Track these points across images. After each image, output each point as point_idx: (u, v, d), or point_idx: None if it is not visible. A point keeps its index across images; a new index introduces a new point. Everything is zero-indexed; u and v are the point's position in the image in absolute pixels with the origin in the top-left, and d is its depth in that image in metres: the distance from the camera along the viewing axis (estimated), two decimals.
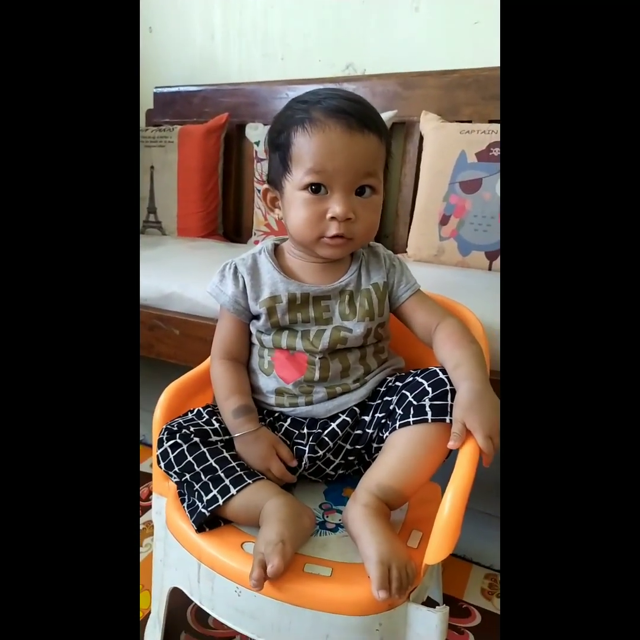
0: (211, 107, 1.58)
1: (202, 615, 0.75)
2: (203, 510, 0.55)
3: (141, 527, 0.93)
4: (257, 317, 0.66)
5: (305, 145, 0.57)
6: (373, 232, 0.64)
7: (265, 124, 1.45)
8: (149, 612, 0.72)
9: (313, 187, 0.58)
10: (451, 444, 0.52)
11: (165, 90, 1.68)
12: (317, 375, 0.63)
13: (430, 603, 0.51)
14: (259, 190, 1.47)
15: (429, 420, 0.55)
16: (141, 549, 0.88)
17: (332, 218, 0.58)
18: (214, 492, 0.55)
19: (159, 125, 1.64)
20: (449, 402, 0.55)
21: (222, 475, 0.56)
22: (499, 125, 1.14)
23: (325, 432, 0.63)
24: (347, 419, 0.63)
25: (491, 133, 1.12)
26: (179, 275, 1.08)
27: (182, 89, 1.65)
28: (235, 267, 0.66)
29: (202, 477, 0.57)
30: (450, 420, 0.54)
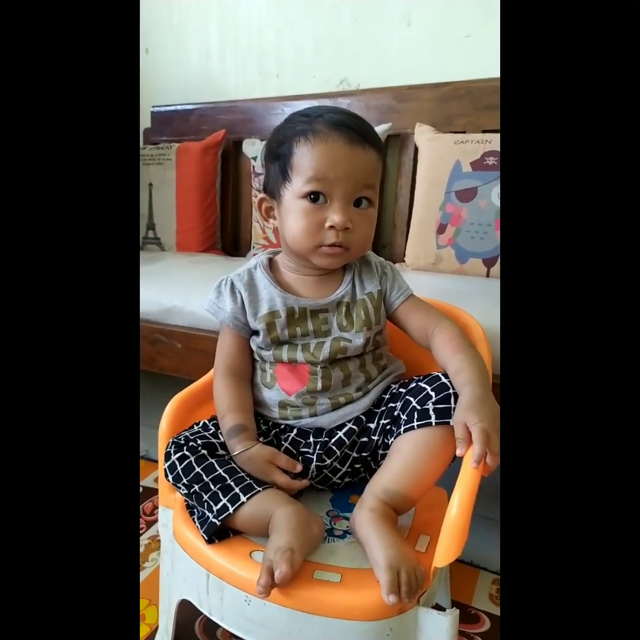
0: (208, 124, 1.61)
1: (210, 628, 0.75)
2: (214, 520, 0.55)
3: (146, 541, 0.93)
4: (256, 333, 0.66)
5: (308, 155, 0.59)
6: (368, 244, 0.65)
7: (262, 140, 1.47)
8: (157, 627, 0.72)
9: (312, 195, 0.59)
10: (459, 452, 0.52)
11: (163, 108, 1.71)
12: (319, 385, 0.64)
13: (439, 609, 0.51)
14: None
15: (433, 424, 0.55)
16: (147, 564, 0.88)
17: (331, 227, 0.59)
18: (224, 501, 0.55)
19: (157, 143, 1.66)
20: (453, 405, 0.56)
21: (231, 484, 0.57)
22: (492, 134, 1.16)
23: (332, 440, 0.63)
24: (354, 427, 0.64)
25: (485, 142, 1.14)
26: (179, 289, 1.09)
27: (179, 107, 1.68)
28: (232, 283, 0.67)
29: (212, 487, 0.57)
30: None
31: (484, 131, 1.20)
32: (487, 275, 1.12)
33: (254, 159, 1.46)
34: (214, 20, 1.63)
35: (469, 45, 1.29)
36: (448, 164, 1.17)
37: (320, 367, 0.64)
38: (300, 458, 0.64)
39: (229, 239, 1.63)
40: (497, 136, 1.15)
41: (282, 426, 0.67)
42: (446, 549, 0.49)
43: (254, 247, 1.50)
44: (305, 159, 0.59)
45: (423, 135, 1.24)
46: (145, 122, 1.76)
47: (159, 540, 0.87)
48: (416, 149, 1.28)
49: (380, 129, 1.29)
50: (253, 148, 1.47)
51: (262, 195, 0.66)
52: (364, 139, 0.59)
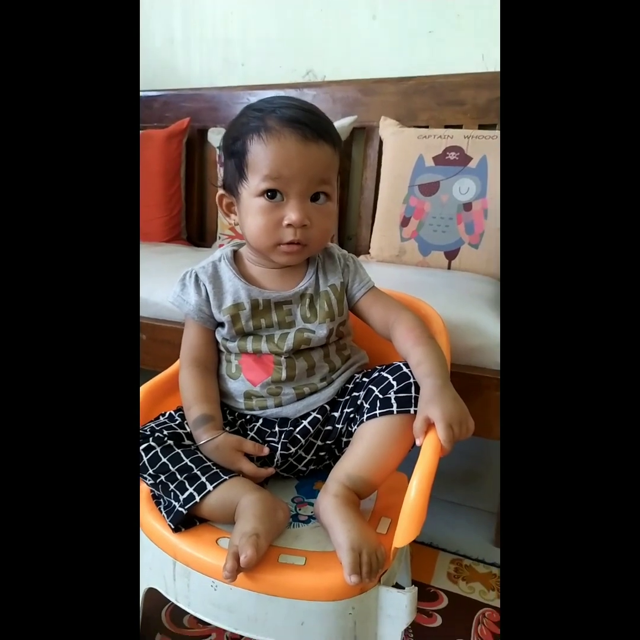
0: (172, 111, 1.58)
1: (177, 615, 0.76)
2: (180, 508, 0.56)
3: None
4: (221, 324, 0.67)
5: (261, 153, 0.59)
6: (327, 237, 0.66)
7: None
8: None
9: (269, 193, 0.60)
10: (418, 442, 0.55)
11: None
12: (284, 374, 0.65)
13: (399, 588, 0.54)
14: None
15: (395, 412, 0.58)
16: None
17: (288, 225, 0.60)
18: (191, 490, 0.56)
19: None
20: (413, 394, 0.58)
21: (198, 473, 0.57)
22: (453, 130, 1.19)
23: (297, 429, 0.65)
24: (318, 416, 0.65)
25: (447, 137, 1.17)
26: (144, 280, 1.07)
27: (142, 94, 1.64)
28: (196, 276, 0.67)
29: (178, 476, 0.57)
30: (415, 411, 0.57)
31: (446, 126, 1.23)
32: (448, 268, 1.16)
33: (219, 147, 1.45)
34: (177, 6, 1.60)
35: (432, 41, 1.31)
36: (411, 158, 1.19)
37: (285, 357, 0.65)
38: (265, 445, 0.65)
39: (195, 228, 1.62)
40: (458, 131, 1.18)
41: (248, 416, 0.68)
42: (405, 530, 0.51)
43: (219, 237, 1.49)
44: (259, 157, 0.59)
45: (387, 129, 1.26)
46: None
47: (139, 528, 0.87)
48: (381, 143, 1.30)
49: (346, 121, 1.30)
50: (218, 137, 1.46)
51: (221, 191, 0.67)
52: (317, 135, 0.59)
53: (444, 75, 1.26)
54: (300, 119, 0.59)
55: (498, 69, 1.23)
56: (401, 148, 1.21)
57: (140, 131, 1.54)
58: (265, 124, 0.59)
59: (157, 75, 1.66)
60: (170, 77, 1.65)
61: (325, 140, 0.60)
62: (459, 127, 1.22)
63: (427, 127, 1.25)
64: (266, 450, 0.63)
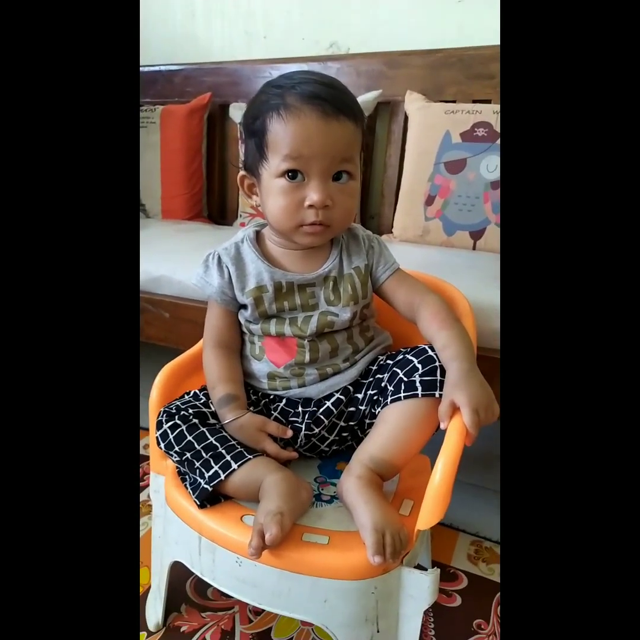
0: (193, 86, 1.56)
1: (201, 588, 0.78)
2: (206, 486, 0.57)
3: None
4: (244, 306, 0.67)
5: (281, 132, 0.57)
6: (350, 218, 0.65)
7: None
8: (149, 587, 0.74)
9: (290, 174, 0.58)
10: (442, 426, 0.54)
11: (146, 69, 1.65)
12: (307, 357, 0.65)
13: (421, 569, 0.54)
14: None
15: (419, 396, 0.57)
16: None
17: (310, 206, 0.59)
18: (216, 468, 0.57)
19: (141, 105, 1.61)
20: (439, 378, 0.57)
21: (223, 451, 0.58)
22: (482, 105, 1.15)
23: (320, 410, 0.65)
24: (341, 397, 0.65)
25: (475, 113, 1.13)
26: (167, 258, 1.08)
27: (162, 68, 1.62)
28: (219, 257, 0.67)
29: (203, 454, 0.58)
30: (439, 394, 0.56)
31: (474, 101, 1.19)
32: (474, 248, 1.13)
33: (241, 123, 1.43)
34: None
35: (461, 12, 1.26)
36: (438, 134, 1.16)
37: (308, 340, 0.65)
38: (289, 427, 0.65)
39: (216, 206, 1.61)
40: (487, 106, 1.14)
41: (271, 396, 0.68)
42: (429, 513, 0.51)
43: (241, 215, 1.48)
44: (279, 136, 0.58)
45: (413, 104, 1.23)
46: None
47: (149, 505, 0.89)
48: (406, 118, 1.26)
49: (371, 96, 1.27)
50: (240, 113, 1.44)
51: (242, 172, 0.65)
52: (338, 111, 0.57)
53: (473, 48, 1.21)
54: (321, 94, 0.57)
55: None
56: (427, 124, 1.18)
57: (161, 107, 1.53)
58: (284, 101, 0.57)
59: (178, 48, 1.63)
60: (191, 50, 1.62)
61: (346, 117, 0.58)
62: (488, 102, 1.18)
63: (454, 101, 1.21)
64: (290, 433, 0.64)
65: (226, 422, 0.62)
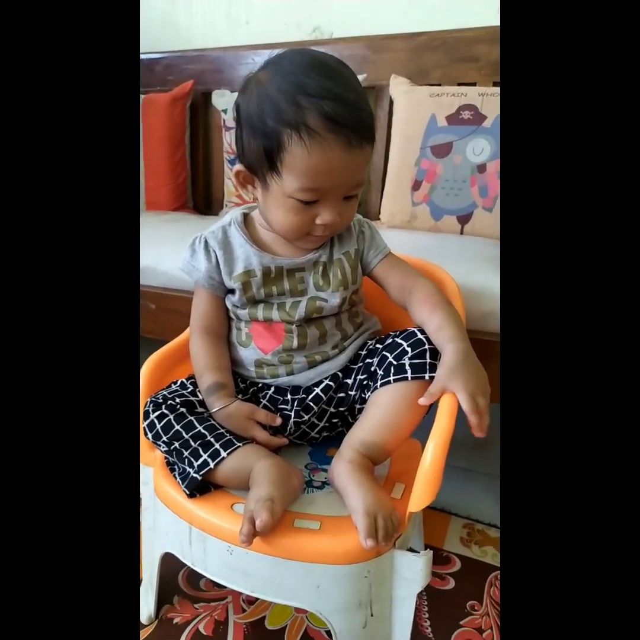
0: (175, 74, 1.53)
1: (193, 579, 0.77)
2: (195, 474, 0.56)
3: None
4: (231, 291, 0.65)
5: (303, 160, 0.54)
6: (351, 221, 0.66)
7: (232, 91, 1.42)
8: (141, 581, 0.74)
9: (305, 200, 0.57)
10: (422, 400, 0.55)
11: None
12: (295, 343, 0.64)
13: (413, 552, 0.54)
14: (228, 160, 1.44)
15: (409, 378, 0.57)
16: None
17: (321, 223, 0.58)
18: (205, 456, 0.56)
19: None
20: (428, 360, 0.57)
21: (211, 440, 0.57)
22: (467, 88, 1.14)
23: (310, 397, 0.64)
24: (331, 383, 0.65)
25: (460, 96, 1.12)
26: (151, 249, 1.06)
27: (143, 56, 1.59)
28: (206, 241, 0.65)
29: (192, 443, 0.57)
30: (429, 377, 0.56)
31: (459, 84, 1.18)
32: (461, 233, 1.13)
33: (225, 111, 1.41)
34: None
35: None
36: (423, 117, 1.15)
37: (296, 326, 0.64)
38: (278, 414, 0.65)
39: (201, 196, 1.59)
40: (472, 89, 1.13)
41: (259, 385, 0.67)
42: (421, 495, 0.51)
43: (226, 205, 1.46)
44: (300, 162, 0.54)
45: (398, 88, 1.21)
46: None
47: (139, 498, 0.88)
48: (391, 102, 1.25)
49: None
50: (223, 100, 1.42)
51: (239, 167, 0.61)
52: (361, 139, 0.54)
53: (457, 30, 1.20)
54: (347, 120, 0.53)
55: None
56: (412, 107, 1.17)
57: (143, 96, 1.50)
58: (305, 122, 0.52)
59: (158, 36, 1.60)
60: (172, 38, 1.59)
61: (367, 142, 0.56)
62: (473, 84, 1.17)
63: (439, 85, 1.19)
64: (279, 420, 0.63)
65: (214, 410, 0.61)
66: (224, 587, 0.59)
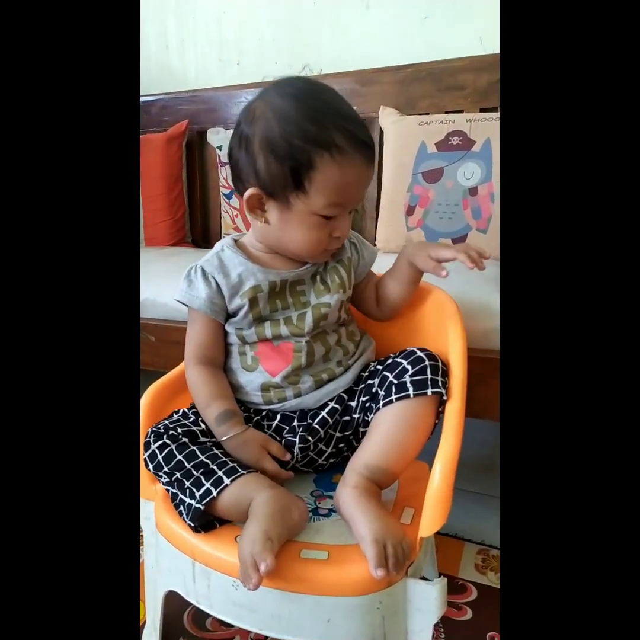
0: (170, 115, 1.57)
1: (199, 619, 0.74)
2: (198, 505, 0.54)
3: None
4: (234, 314, 0.65)
5: (334, 177, 0.56)
6: None
7: (226, 128, 1.45)
8: (144, 622, 0.71)
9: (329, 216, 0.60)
10: (447, 254, 0.66)
11: None
12: (303, 360, 0.64)
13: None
14: (225, 194, 1.47)
15: (411, 396, 0.56)
16: None
17: (337, 237, 0.62)
18: (207, 485, 0.54)
19: None
20: (429, 376, 0.56)
21: (214, 468, 0.56)
22: (455, 115, 1.17)
23: (315, 421, 0.63)
24: (336, 406, 0.64)
25: (448, 122, 1.15)
26: (151, 282, 1.06)
27: (140, 99, 1.63)
28: (203, 269, 0.65)
29: (194, 472, 0.56)
30: (432, 392, 0.55)
31: (447, 112, 1.21)
32: None
33: (219, 148, 1.44)
34: (170, 10, 1.59)
35: (427, 27, 1.29)
36: (413, 145, 1.17)
37: (305, 342, 0.64)
38: (282, 442, 0.63)
39: (199, 230, 1.61)
40: (460, 116, 1.16)
41: (264, 412, 0.66)
42: (431, 518, 0.50)
43: (224, 237, 1.48)
44: (333, 179, 0.57)
45: (388, 118, 1.24)
46: None
47: (141, 535, 0.86)
48: (381, 133, 1.28)
49: None
50: (217, 137, 1.45)
51: (252, 191, 0.59)
52: (373, 154, 0.60)
53: (441, 61, 1.24)
54: (363, 137, 0.58)
55: (497, 51, 1.20)
56: (402, 136, 1.20)
57: (140, 136, 1.54)
58: (334, 140, 0.55)
59: (154, 80, 1.65)
60: (166, 81, 1.64)
61: (373, 158, 0.61)
62: (460, 111, 1.20)
63: (427, 113, 1.22)
64: (289, 456, 0.62)
65: (228, 437, 0.60)
66: (231, 626, 0.56)
